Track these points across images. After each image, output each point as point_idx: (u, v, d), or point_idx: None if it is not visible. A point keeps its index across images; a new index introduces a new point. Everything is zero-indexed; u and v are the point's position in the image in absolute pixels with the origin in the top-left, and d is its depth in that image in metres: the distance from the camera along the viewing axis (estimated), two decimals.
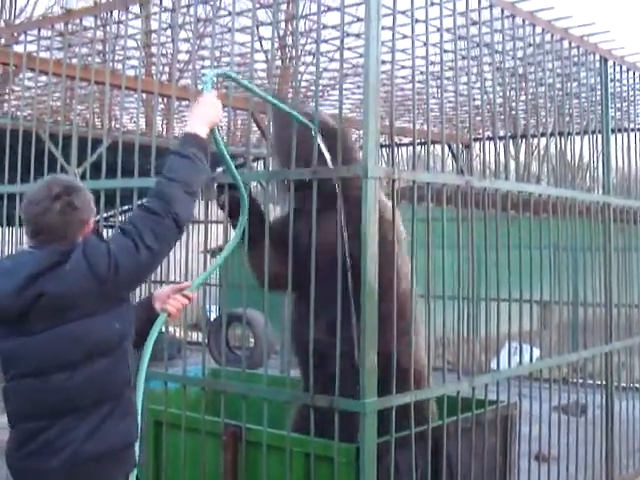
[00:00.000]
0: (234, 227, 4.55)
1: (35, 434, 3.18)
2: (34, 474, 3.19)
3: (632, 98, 7.94)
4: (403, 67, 9.13)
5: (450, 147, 12.98)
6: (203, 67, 10.21)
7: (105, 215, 5.36)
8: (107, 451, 3.21)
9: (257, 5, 6.57)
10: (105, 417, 3.21)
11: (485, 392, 4.95)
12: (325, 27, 8.41)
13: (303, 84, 11.45)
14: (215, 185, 4.74)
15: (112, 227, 12.98)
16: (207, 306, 13.84)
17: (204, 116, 3.66)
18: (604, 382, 6.66)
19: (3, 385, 3.28)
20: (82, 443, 3.15)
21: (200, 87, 3.92)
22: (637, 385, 7.44)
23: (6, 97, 11.35)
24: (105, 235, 3.51)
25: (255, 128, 12.09)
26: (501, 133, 6.40)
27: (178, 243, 3.57)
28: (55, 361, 3.15)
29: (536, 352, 6.36)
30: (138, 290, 4.06)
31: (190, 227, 5.10)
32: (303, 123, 4.49)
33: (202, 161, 3.51)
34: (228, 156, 4.07)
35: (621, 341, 6.80)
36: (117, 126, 12.31)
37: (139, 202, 5.52)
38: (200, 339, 14.74)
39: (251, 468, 4.54)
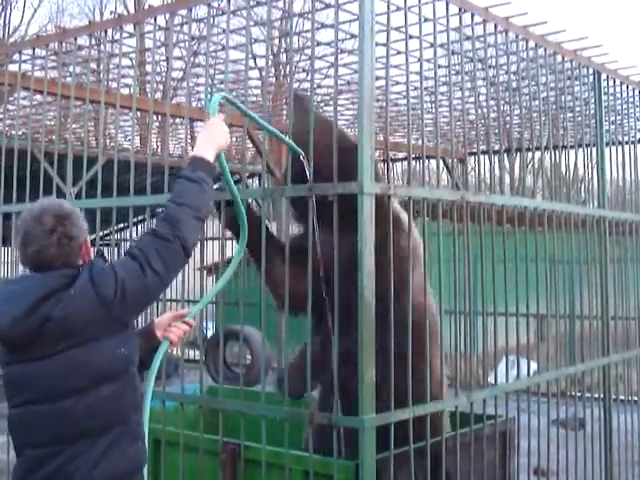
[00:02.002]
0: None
1: (42, 462, 3.13)
2: None
3: (626, 111, 7.97)
4: (397, 83, 9.16)
5: (445, 162, 13.02)
6: (197, 84, 10.24)
7: (101, 234, 5.34)
8: (117, 477, 3.18)
9: (251, 23, 6.59)
10: (113, 442, 3.17)
11: (483, 407, 4.94)
12: (319, 44, 8.44)
13: None
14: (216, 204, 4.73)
15: (108, 245, 12.99)
16: (204, 324, 13.79)
17: (212, 140, 3.63)
18: (602, 395, 6.64)
19: (8, 412, 3.23)
20: (91, 470, 3.11)
21: (206, 110, 3.91)
22: (635, 398, 7.42)
23: (1, 116, 11.35)
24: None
25: (250, 145, 12.13)
26: (496, 147, 6.42)
27: None
28: (61, 387, 3.11)
29: (533, 366, 6.36)
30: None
31: None
32: (295, 150, 4.46)
33: (210, 185, 3.49)
34: (232, 181, 4.07)
35: (619, 354, 6.80)
36: (112, 144, 12.32)
37: (134, 220, 5.55)
38: (198, 357, 14.71)
39: None
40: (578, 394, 6.19)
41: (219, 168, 3.86)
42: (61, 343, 3.09)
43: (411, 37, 4.91)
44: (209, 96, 3.97)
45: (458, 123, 10.23)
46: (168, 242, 3.26)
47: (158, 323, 3.72)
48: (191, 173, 3.45)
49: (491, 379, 5.62)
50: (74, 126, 11.11)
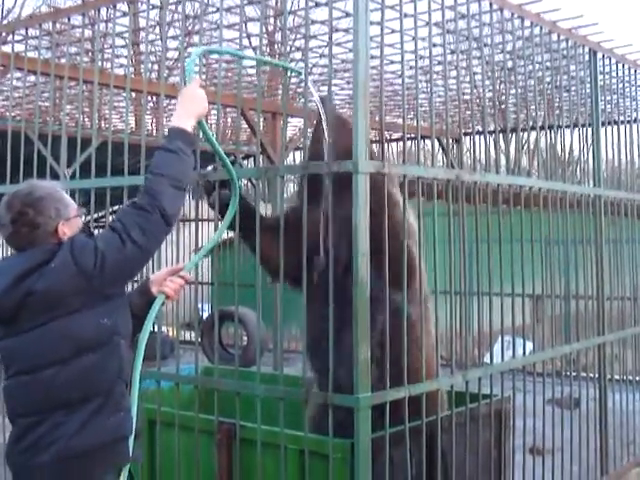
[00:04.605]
0: None
1: (28, 430, 3.25)
2: (27, 469, 3.26)
3: (621, 90, 7.95)
4: (392, 62, 9.12)
5: (440, 142, 12.98)
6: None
7: (95, 215, 5.32)
8: (96, 446, 3.25)
9: (245, 2, 6.55)
10: (94, 412, 3.26)
11: (479, 386, 4.94)
12: (314, 23, 8.40)
13: (292, 80, 11.43)
14: (204, 183, 4.72)
15: (103, 227, 12.97)
16: (200, 305, 13.78)
17: (189, 109, 3.61)
18: (597, 375, 6.66)
19: (3, 384, 3.35)
20: (71, 438, 3.20)
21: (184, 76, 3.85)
22: (630, 377, 7.44)
23: None
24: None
25: (245, 125, 12.09)
26: (491, 127, 6.40)
27: (168, 241, 3.56)
28: (45, 357, 3.22)
29: (529, 345, 6.36)
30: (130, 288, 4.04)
31: (180, 225, 5.08)
32: (293, 71, 4.56)
33: (189, 155, 3.50)
34: (218, 145, 4.04)
35: (614, 333, 6.81)
36: (106, 125, 12.26)
37: (129, 201, 5.52)
38: (193, 338, 14.72)
39: (245, 465, 4.53)
40: (573, 373, 6.19)
41: (202, 135, 3.88)
42: (45, 315, 3.20)
43: (406, 15, 4.87)
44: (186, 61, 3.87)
45: (454, 103, 10.21)
46: (147, 213, 3.32)
47: (154, 279, 3.75)
48: (169, 144, 3.48)
49: (487, 359, 5.63)
50: (68, 107, 11.05)
